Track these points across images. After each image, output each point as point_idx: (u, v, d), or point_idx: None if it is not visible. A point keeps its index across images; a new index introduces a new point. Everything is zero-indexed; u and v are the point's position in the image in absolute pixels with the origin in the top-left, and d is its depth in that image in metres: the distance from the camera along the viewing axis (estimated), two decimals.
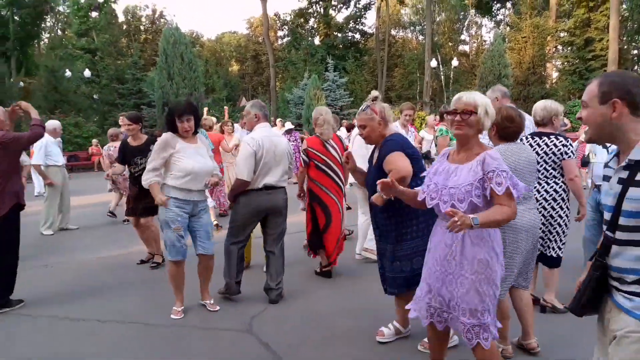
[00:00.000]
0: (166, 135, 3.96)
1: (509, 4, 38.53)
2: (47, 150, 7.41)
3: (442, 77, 36.44)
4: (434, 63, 30.49)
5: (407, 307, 2.69)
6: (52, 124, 7.81)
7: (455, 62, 31.25)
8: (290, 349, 3.41)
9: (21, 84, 24.93)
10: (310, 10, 40.84)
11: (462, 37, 45.03)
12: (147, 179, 3.87)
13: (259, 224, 4.37)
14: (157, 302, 4.37)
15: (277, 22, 44.66)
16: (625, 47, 29.90)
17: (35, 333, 3.82)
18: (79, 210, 9.32)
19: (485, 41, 41.68)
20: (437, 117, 9.17)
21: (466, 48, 44.75)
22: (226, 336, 3.68)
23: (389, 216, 3.17)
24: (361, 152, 4.79)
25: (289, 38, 42.49)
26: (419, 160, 3.18)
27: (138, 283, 5.04)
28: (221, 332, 3.76)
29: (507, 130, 3.08)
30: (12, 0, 29.03)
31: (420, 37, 43.56)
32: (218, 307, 4.17)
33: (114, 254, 6.21)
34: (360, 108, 3.29)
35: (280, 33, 45.97)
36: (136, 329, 3.86)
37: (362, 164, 3.53)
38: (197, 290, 4.27)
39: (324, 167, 4.90)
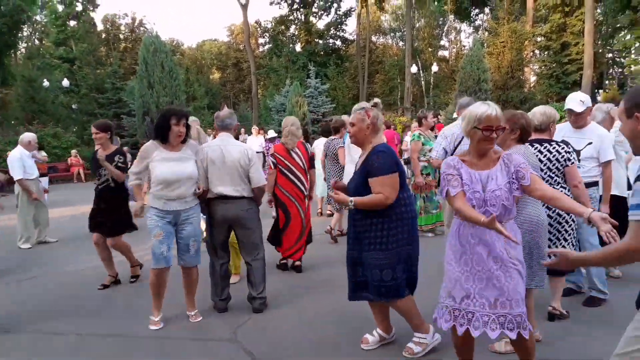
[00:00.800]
0: (147, 144, 4.00)
1: (487, 10, 39.14)
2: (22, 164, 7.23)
3: (423, 82, 36.78)
4: (414, 69, 30.76)
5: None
6: (27, 136, 7.62)
7: (435, 68, 31.52)
8: (276, 358, 3.38)
9: None
10: (291, 18, 40.89)
11: (442, 42, 45.60)
12: (130, 181, 4.10)
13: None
14: (140, 314, 4.29)
15: (258, 29, 44.69)
16: (600, 50, 30.57)
17: (18, 350, 3.72)
18: (58, 223, 9.15)
19: (464, 46, 42.18)
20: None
21: (446, 53, 45.31)
22: (211, 346, 3.64)
23: (365, 217, 3.17)
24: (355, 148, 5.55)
25: (270, 45, 42.47)
26: (403, 173, 3.21)
27: (120, 295, 4.96)
28: (206, 342, 3.71)
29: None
30: None
31: (401, 43, 43.99)
32: (200, 318, 4.12)
33: (94, 265, 6.09)
34: (356, 106, 3.38)
35: (261, 40, 46.04)
36: (120, 341, 3.79)
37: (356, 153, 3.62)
38: (182, 301, 4.22)
39: (287, 173, 5.19)
